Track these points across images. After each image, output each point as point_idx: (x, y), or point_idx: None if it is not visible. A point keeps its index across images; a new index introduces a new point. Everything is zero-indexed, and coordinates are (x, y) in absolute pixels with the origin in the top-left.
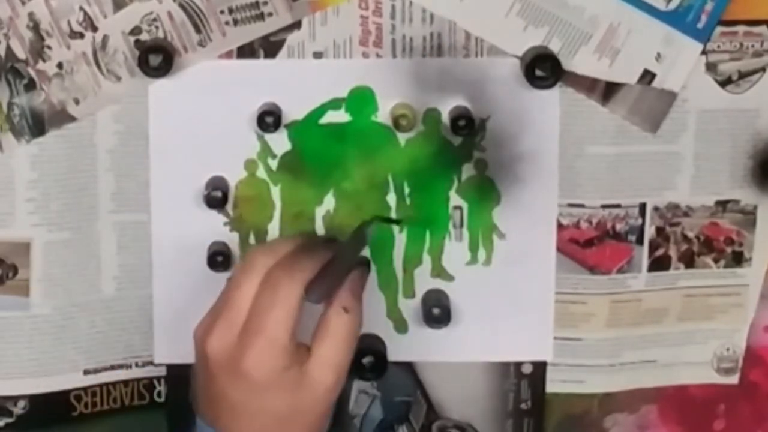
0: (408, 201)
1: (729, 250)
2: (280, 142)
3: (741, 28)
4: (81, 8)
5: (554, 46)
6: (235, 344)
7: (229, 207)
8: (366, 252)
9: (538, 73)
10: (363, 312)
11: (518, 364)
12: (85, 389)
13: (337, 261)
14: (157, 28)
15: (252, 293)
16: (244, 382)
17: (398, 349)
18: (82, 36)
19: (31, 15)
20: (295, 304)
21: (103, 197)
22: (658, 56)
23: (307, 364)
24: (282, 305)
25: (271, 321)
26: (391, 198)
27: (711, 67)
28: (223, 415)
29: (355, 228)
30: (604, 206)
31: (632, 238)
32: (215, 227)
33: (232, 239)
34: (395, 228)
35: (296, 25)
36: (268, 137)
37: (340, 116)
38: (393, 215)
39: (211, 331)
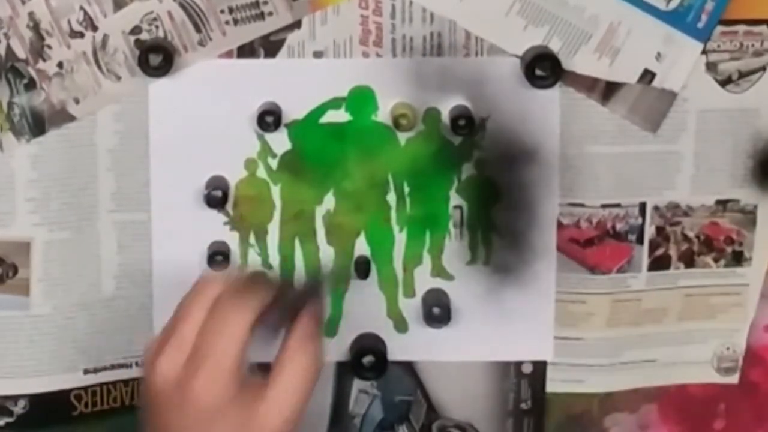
0: (408, 200)
1: (729, 249)
2: (280, 141)
3: (741, 28)
4: (81, 8)
5: (554, 46)
6: (182, 369)
7: (229, 206)
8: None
9: (538, 72)
10: (323, 348)
11: (518, 364)
12: (85, 389)
13: (288, 295)
14: (157, 27)
15: (200, 320)
16: (191, 408)
17: (398, 349)
18: (82, 35)
19: (31, 14)
20: (243, 333)
21: (103, 197)
22: (658, 56)
23: (258, 403)
24: (229, 333)
25: (218, 348)
26: (391, 197)
27: (711, 67)
28: None
29: (312, 275)
30: (604, 206)
31: (632, 237)
32: (215, 227)
33: (232, 239)
34: (395, 227)
35: (296, 24)
36: (268, 137)
37: (340, 116)
38: (393, 215)
39: (159, 355)
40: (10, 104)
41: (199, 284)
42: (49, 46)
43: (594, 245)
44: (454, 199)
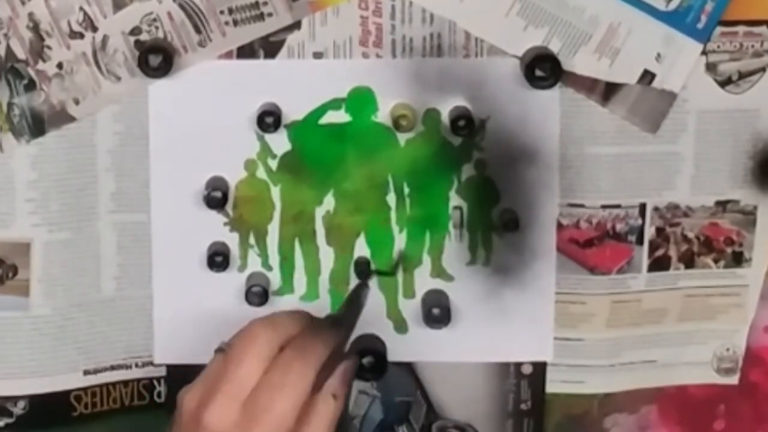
0: (408, 201)
1: (729, 250)
2: (280, 142)
3: (741, 29)
4: (81, 8)
5: (554, 46)
6: (236, 420)
7: (229, 207)
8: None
9: (538, 73)
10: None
11: (518, 365)
12: (85, 389)
13: (339, 347)
14: (157, 28)
15: (257, 370)
16: None
17: (398, 350)
18: (82, 36)
19: (31, 15)
20: (306, 389)
21: (103, 197)
22: (658, 56)
23: None
24: (293, 387)
25: (280, 401)
26: (391, 198)
27: (711, 68)
28: None
29: (353, 290)
30: (604, 206)
31: (632, 238)
32: (215, 227)
33: (232, 239)
34: (395, 228)
35: (296, 25)
36: (268, 137)
37: (340, 116)
38: (393, 215)
39: (209, 404)
40: (10, 105)
41: (256, 329)
42: (49, 47)
43: (594, 246)
44: (454, 199)
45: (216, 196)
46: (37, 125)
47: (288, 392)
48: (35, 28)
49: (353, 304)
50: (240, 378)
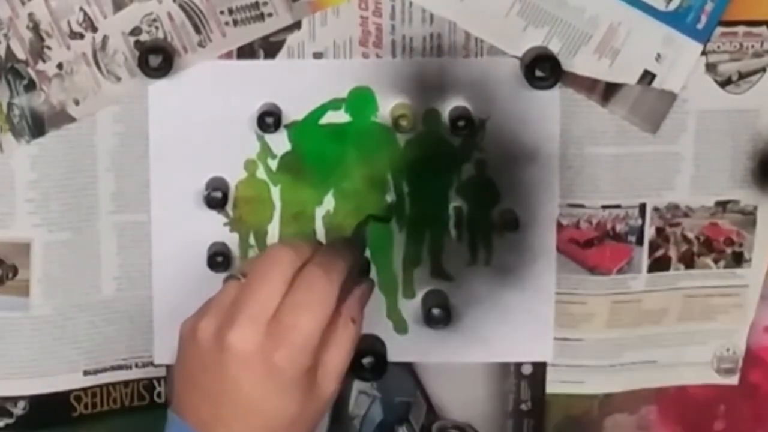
0: (407, 201)
1: (729, 250)
2: (280, 142)
3: (741, 29)
4: (81, 9)
5: (554, 47)
6: (262, 341)
7: (229, 207)
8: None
9: (538, 73)
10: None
11: (518, 365)
12: (85, 390)
13: (352, 269)
14: (157, 28)
15: (280, 291)
16: (270, 378)
17: (398, 350)
18: (82, 36)
19: (31, 15)
20: (330, 306)
21: (103, 197)
22: (658, 57)
23: (318, 367)
24: (319, 304)
25: (306, 318)
26: (391, 198)
27: (711, 68)
28: (227, 415)
29: (353, 230)
30: (604, 207)
31: (632, 238)
32: (215, 228)
33: (232, 240)
34: (395, 228)
35: (296, 25)
36: (268, 137)
37: (340, 116)
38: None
39: (233, 327)
40: (10, 105)
41: (278, 251)
42: (49, 47)
43: (594, 246)
44: (454, 199)
45: (216, 196)
46: (37, 125)
47: (313, 309)
48: (35, 28)
49: (358, 236)
50: (264, 298)
